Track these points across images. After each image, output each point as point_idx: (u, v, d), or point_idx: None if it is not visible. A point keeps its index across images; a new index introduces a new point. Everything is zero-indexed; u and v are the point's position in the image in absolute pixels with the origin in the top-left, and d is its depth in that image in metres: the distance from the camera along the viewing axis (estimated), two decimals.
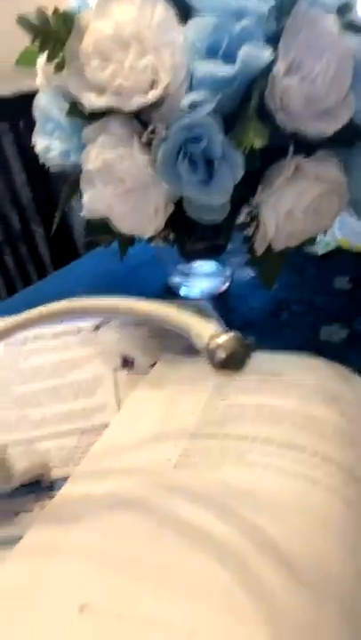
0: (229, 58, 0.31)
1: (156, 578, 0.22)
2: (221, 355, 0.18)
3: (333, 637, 0.20)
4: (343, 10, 0.37)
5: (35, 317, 0.26)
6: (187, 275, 0.52)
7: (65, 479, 0.30)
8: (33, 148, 0.42)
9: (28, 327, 0.23)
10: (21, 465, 0.29)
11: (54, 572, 0.24)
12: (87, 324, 0.45)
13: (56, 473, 0.30)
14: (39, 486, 0.30)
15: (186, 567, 0.22)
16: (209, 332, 0.19)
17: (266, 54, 0.31)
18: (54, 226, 0.45)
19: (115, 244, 0.44)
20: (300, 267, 0.56)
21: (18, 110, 0.83)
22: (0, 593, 0.23)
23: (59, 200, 0.43)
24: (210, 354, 0.18)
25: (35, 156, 0.42)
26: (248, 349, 0.18)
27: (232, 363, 0.18)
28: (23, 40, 0.34)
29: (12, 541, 0.26)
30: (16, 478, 0.29)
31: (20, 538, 0.26)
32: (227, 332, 0.19)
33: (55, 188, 0.98)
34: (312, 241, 0.40)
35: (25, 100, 0.88)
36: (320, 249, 0.59)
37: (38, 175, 0.94)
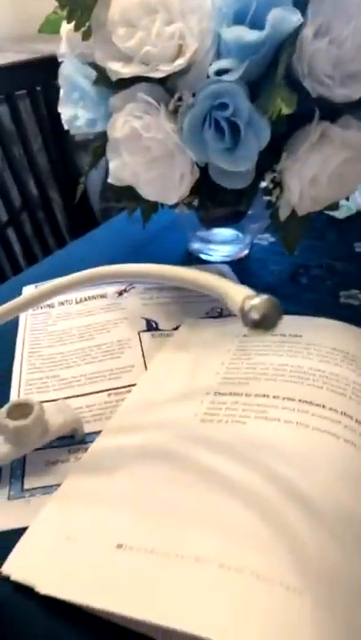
0: (257, 23, 0.31)
1: (185, 518, 0.24)
2: (255, 315, 0.19)
3: (352, 576, 0.22)
4: None
5: (69, 283, 0.28)
6: (207, 241, 0.53)
7: (97, 433, 0.32)
8: (50, 114, 0.42)
9: (73, 289, 0.25)
10: (57, 420, 0.31)
11: (93, 516, 0.26)
12: (111, 289, 0.46)
13: (88, 427, 0.32)
14: (73, 440, 0.32)
15: (213, 508, 0.24)
16: (243, 294, 0.20)
17: (295, 18, 0.31)
18: (78, 193, 0.46)
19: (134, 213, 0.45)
20: (321, 231, 0.57)
21: (35, 76, 0.83)
22: (43, 531, 0.25)
23: (74, 166, 0.44)
24: (244, 315, 0.20)
25: (52, 123, 0.42)
26: (280, 311, 0.20)
27: (265, 323, 0.19)
28: (36, 5, 0.34)
29: (49, 489, 0.28)
30: (52, 432, 0.31)
31: (56, 486, 0.28)
32: (260, 295, 0.20)
33: (71, 154, 0.98)
34: (335, 206, 0.41)
35: (42, 66, 0.88)
36: (342, 213, 0.59)
37: (54, 141, 0.94)
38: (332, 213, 0.59)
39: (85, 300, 0.45)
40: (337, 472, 0.26)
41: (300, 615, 0.20)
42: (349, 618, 0.21)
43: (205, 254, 0.53)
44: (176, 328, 0.41)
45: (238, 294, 0.20)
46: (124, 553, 0.23)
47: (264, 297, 0.20)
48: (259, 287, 0.47)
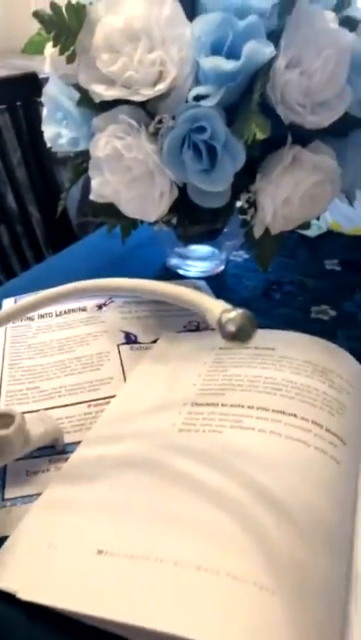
0: (233, 53, 0.33)
1: (164, 524, 0.25)
2: (232, 328, 0.21)
3: (322, 575, 0.23)
4: (341, 6, 0.39)
5: (49, 297, 0.28)
6: (184, 257, 0.54)
7: (77, 443, 0.32)
8: (30, 129, 0.44)
9: (54, 303, 0.26)
10: (38, 430, 0.32)
11: (73, 524, 0.27)
12: (91, 303, 0.47)
13: (68, 438, 0.33)
14: (54, 450, 0.32)
15: (190, 513, 0.25)
16: (221, 308, 0.22)
17: (269, 50, 0.33)
18: (59, 209, 0.47)
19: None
20: (293, 249, 0.59)
21: (16, 91, 0.84)
22: (24, 539, 0.26)
23: (53, 180, 0.45)
24: (221, 327, 0.21)
25: (32, 138, 0.43)
26: (254, 324, 0.21)
27: (240, 335, 0.21)
28: (19, 22, 0.35)
29: (29, 499, 0.29)
30: (33, 442, 0.31)
31: (37, 495, 0.29)
32: (236, 308, 0.21)
33: (50, 169, 0.99)
34: (307, 225, 0.43)
35: (23, 82, 0.89)
36: (313, 232, 0.62)
37: (34, 156, 0.95)
38: (303, 232, 0.61)
39: (65, 312, 0.46)
40: (308, 477, 0.27)
41: (272, 613, 0.21)
42: (319, 616, 0.22)
43: (183, 270, 0.54)
44: (155, 341, 0.42)
45: (216, 308, 0.22)
46: (104, 558, 0.24)
47: (240, 311, 0.21)
48: (234, 302, 0.49)
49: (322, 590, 0.23)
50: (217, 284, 0.52)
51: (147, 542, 0.24)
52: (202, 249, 0.54)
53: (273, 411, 0.31)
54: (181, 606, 0.22)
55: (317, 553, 0.24)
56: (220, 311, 0.21)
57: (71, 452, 0.32)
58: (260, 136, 0.32)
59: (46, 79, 0.42)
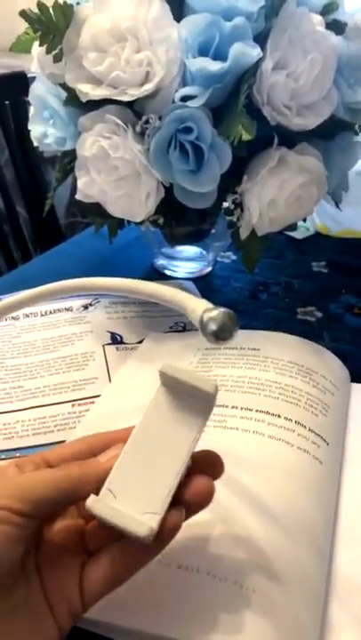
0: (220, 55, 0.33)
1: None
2: (213, 326, 0.21)
3: (303, 573, 0.23)
4: (328, 9, 0.39)
5: (35, 295, 0.28)
6: (171, 258, 0.54)
7: (61, 442, 0.32)
8: (18, 129, 0.43)
9: (38, 302, 0.26)
10: None
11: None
12: (77, 303, 0.47)
13: (52, 437, 0.33)
14: (37, 450, 0.32)
15: None
16: (203, 307, 0.22)
17: (255, 52, 0.33)
18: (46, 208, 0.47)
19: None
20: (280, 251, 0.59)
21: (4, 90, 0.83)
22: None
23: (41, 180, 0.45)
24: (203, 326, 0.21)
25: (19, 137, 0.43)
26: (236, 323, 0.21)
27: (222, 333, 0.21)
28: (7, 20, 0.35)
29: None
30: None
31: None
32: (218, 307, 0.21)
33: (38, 168, 0.98)
34: (293, 226, 0.43)
35: (11, 81, 0.88)
36: (300, 234, 0.62)
37: (21, 155, 0.94)
38: (291, 234, 0.61)
39: (51, 312, 0.46)
40: (290, 477, 0.27)
41: (253, 611, 0.21)
42: (300, 614, 0.22)
43: (170, 270, 0.54)
44: (140, 341, 0.42)
45: (198, 307, 0.22)
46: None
47: (222, 309, 0.21)
48: (221, 303, 0.49)
49: (303, 589, 0.23)
50: (204, 285, 0.52)
51: None
52: (189, 250, 0.54)
53: (257, 411, 0.31)
54: (162, 605, 0.22)
55: (299, 552, 0.24)
56: (202, 310, 0.21)
57: None
58: (245, 137, 0.32)
59: (35, 78, 0.42)
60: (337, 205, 0.45)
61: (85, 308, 0.46)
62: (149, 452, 0.21)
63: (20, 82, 0.84)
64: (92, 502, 0.20)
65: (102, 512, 0.19)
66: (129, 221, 0.42)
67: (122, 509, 0.19)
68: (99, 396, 0.36)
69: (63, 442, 0.32)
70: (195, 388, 0.21)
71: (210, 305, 0.22)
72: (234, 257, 0.57)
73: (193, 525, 0.24)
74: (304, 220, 0.45)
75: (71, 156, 0.40)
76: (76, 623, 0.20)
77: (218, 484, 0.26)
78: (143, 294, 0.25)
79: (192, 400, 0.21)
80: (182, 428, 0.21)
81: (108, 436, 0.23)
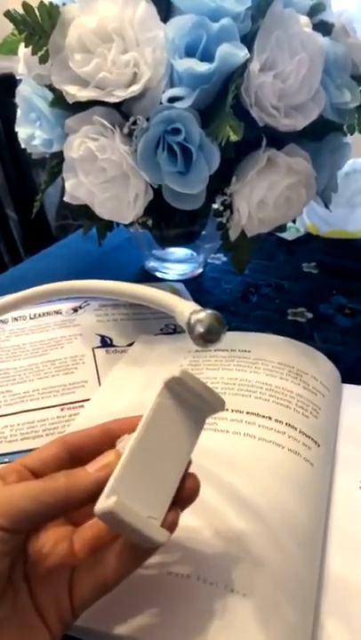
0: (207, 55, 0.33)
1: None
2: (200, 329, 0.20)
3: (293, 576, 0.23)
4: (316, 10, 0.39)
5: (23, 298, 0.28)
6: (162, 259, 0.54)
7: None
8: (6, 131, 0.43)
9: (25, 305, 0.25)
10: None
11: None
12: (66, 306, 0.46)
13: (41, 442, 0.33)
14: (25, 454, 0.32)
15: None
16: (190, 309, 0.21)
17: (242, 53, 0.33)
18: (35, 210, 0.47)
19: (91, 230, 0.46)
20: (271, 252, 0.59)
21: None
22: None
23: (31, 182, 0.44)
24: (190, 328, 0.21)
25: (8, 140, 0.43)
26: (223, 325, 0.21)
27: (209, 335, 0.20)
28: None
29: None
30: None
31: None
32: (205, 309, 0.21)
33: (28, 170, 0.98)
34: (283, 228, 0.43)
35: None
36: (290, 235, 0.62)
37: (11, 158, 0.94)
38: (281, 235, 0.61)
39: (40, 316, 0.45)
40: (281, 479, 0.27)
41: (244, 615, 0.21)
42: (291, 617, 0.22)
43: (161, 272, 0.54)
44: (130, 344, 0.42)
45: (186, 309, 0.22)
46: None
47: (209, 311, 0.21)
48: (211, 304, 0.49)
49: (294, 591, 0.23)
50: (195, 287, 0.52)
51: None
52: (180, 251, 0.54)
53: (247, 413, 0.31)
54: (153, 612, 0.21)
55: (290, 554, 0.24)
56: (190, 312, 0.21)
57: None
58: (233, 138, 0.32)
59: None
60: (326, 206, 0.45)
61: (75, 310, 0.46)
62: (153, 454, 0.20)
63: (8, 84, 0.84)
64: (104, 506, 0.18)
65: (122, 515, 0.18)
66: (118, 223, 0.42)
67: (139, 513, 0.19)
68: (88, 399, 0.36)
69: None
70: (203, 399, 0.21)
71: (197, 307, 0.21)
72: (224, 258, 0.57)
73: (183, 530, 0.24)
74: (294, 222, 0.45)
75: (59, 158, 0.40)
76: (67, 631, 0.20)
77: (208, 487, 0.26)
78: (131, 297, 0.24)
79: (195, 409, 0.21)
80: (184, 432, 0.21)
81: (85, 433, 0.22)
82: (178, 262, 0.54)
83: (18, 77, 0.42)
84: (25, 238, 1.03)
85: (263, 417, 0.30)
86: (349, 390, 0.37)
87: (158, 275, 0.54)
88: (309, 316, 0.48)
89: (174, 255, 0.54)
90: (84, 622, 0.21)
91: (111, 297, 0.31)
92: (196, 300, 0.49)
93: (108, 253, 0.58)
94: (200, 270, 0.55)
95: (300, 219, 0.63)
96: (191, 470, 0.27)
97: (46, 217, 1.04)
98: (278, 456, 0.28)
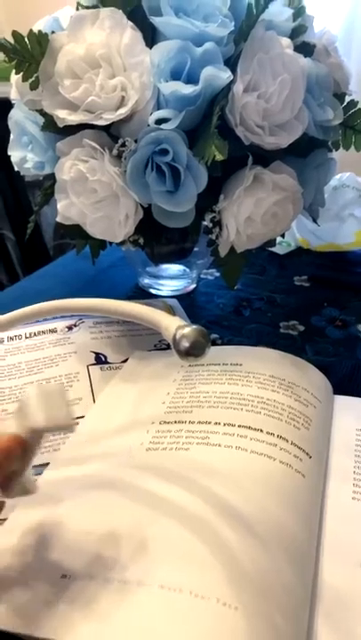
0: (192, 78, 0.34)
1: (128, 544, 0.25)
2: (185, 344, 0.21)
3: (285, 588, 0.23)
4: (297, 32, 0.40)
5: (16, 318, 0.29)
6: (156, 276, 0.55)
7: (45, 465, 0.32)
8: (2, 153, 0.44)
9: (10, 327, 0.26)
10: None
11: (39, 548, 0.26)
12: (61, 324, 0.47)
13: (36, 460, 0.33)
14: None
15: (154, 533, 0.25)
16: (176, 324, 0.22)
17: (225, 75, 0.34)
18: (28, 231, 0.48)
19: (85, 249, 0.47)
20: (263, 267, 0.60)
21: None
22: None
23: (27, 203, 0.45)
24: (176, 343, 0.21)
25: (4, 162, 0.44)
26: (208, 339, 0.21)
27: (194, 350, 0.21)
28: None
29: None
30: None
31: (2, 520, 0.28)
32: (190, 325, 0.22)
33: (24, 191, 0.99)
34: (272, 243, 0.44)
35: None
36: (282, 249, 0.63)
37: (7, 179, 0.95)
38: (273, 250, 0.62)
39: (35, 334, 0.46)
40: (273, 491, 0.27)
41: (236, 629, 0.21)
42: (283, 630, 0.22)
43: (155, 289, 0.55)
44: (125, 361, 0.42)
45: (172, 325, 0.22)
46: (68, 582, 0.24)
47: (194, 327, 0.22)
48: (205, 319, 0.50)
49: (286, 605, 0.23)
50: (189, 302, 0.52)
51: (111, 564, 0.24)
52: (173, 268, 0.55)
53: (239, 426, 0.31)
54: (144, 626, 0.21)
55: (282, 567, 0.24)
56: (176, 327, 0.22)
57: (39, 474, 0.32)
58: (218, 157, 0.32)
59: None
60: (314, 221, 0.46)
61: (70, 328, 0.47)
62: None
63: (3, 108, 0.85)
64: None
65: None
66: (111, 242, 0.43)
67: None
68: (83, 416, 0.36)
69: (47, 464, 0.32)
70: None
71: (182, 322, 0.22)
72: (217, 274, 0.58)
73: (174, 543, 0.25)
74: (283, 236, 0.45)
75: (52, 179, 0.41)
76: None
77: (199, 500, 0.26)
78: (118, 314, 0.25)
79: None
80: None
81: None
82: (171, 278, 0.55)
83: (13, 101, 0.44)
84: (22, 258, 1.04)
85: (255, 430, 0.31)
86: (341, 401, 0.37)
87: (152, 291, 0.55)
88: (301, 328, 0.48)
89: (168, 272, 0.54)
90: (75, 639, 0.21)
91: (100, 315, 0.32)
92: (190, 315, 0.49)
93: (103, 272, 0.59)
94: (193, 286, 0.56)
95: (291, 233, 0.64)
96: (183, 483, 0.28)
97: (43, 237, 1.05)
98: (270, 468, 0.29)
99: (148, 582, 0.23)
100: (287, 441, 0.30)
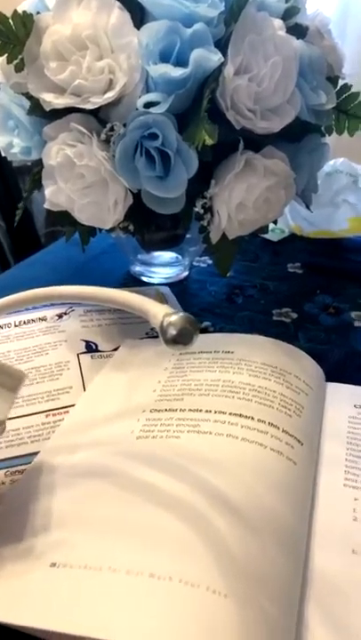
0: (181, 61, 0.33)
1: (117, 533, 0.25)
2: (172, 331, 0.21)
3: (276, 575, 0.23)
4: (290, 13, 0.39)
5: (3, 305, 0.28)
6: (148, 264, 0.54)
7: (35, 454, 0.32)
8: None
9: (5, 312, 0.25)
10: None
11: (28, 537, 0.26)
12: (51, 312, 0.47)
13: (26, 449, 0.33)
14: (11, 462, 0.32)
15: (144, 520, 0.25)
16: (163, 312, 0.21)
17: (216, 57, 0.33)
18: (17, 218, 0.47)
19: (76, 236, 0.46)
20: (256, 254, 0.60)
21: None
22: None
23: (17, 190, 0.45)
24: (163, 331, 0.21)
25: None
26: (196, 327, 0.21)
27: (182, 338, 0.21)
28: None
29: None
30: None
31: None
32: (178, 312, 0.21)
33: (14, 178, 0.98)
34: (265, 229, 0.43)
35: None
36: (275, 236, 0.62)
37: None
38: (266, 236, 0.62)
39: (25, 323, 0.45)
40: (264, 479, 0.27)
41: (226, 617, 0.21)
42: (274, 617, 0.22)
43: (147, 276, 0.54)
44: (116, 349, 0.42)
45: (159, 312, 0.22)
46: (58, 571, 0.24)
47: (181, 314, 0.21)
48: (198, 307, 0.49)
49: (276, 593, 0.23)
50: (181, 290, 0.52)
51: (100, 552, 0.24)
52: (165, 255, 0.54)
53: (230, 414, 0.31)
54: (135, 615, 0.21)
55: (273, 554, 0.24)
56: (163, 315, 0.21)
57: (28, 463, 0.31)
58: (208, 142, 0.32)
59: None
60: (307, 207, 0.46)
61: (60, 317, 0.46)
62: None
63: None
64: None
65: None
66: (101, 229, 0.42)
67: None
68: (73, 405, 0.36)
69: (37, 453, 0.32)
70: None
71: (170, 310, 0.22)
72: (210, 261, 0.57)
73: (165, 531, 0.24)
74: (275, 222, 0.45)
75: (40, 165, 0.40)
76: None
77: (190, 488, 0.26)
78: (105, 301, 0.25)
79: None
80: None
81: None
82: (163, 266, 0.54)
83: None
84: (13, 246, 1.03)
85: (246, 417, 0.31)
86: (333, 389, 0.37)
87: (144, 279, 0.54)
88: (294, 316, 0.48)
89: (160, 259, 0.54)
90: (66, 628, 0.21)
91: (88, 302, 0.32)
92: (182, 303, 0.49)
93: (95, 259, 0.59)
94: (186, 273, 0.55)
95: (284, 220, 0.63)
96: (173, 471, 0.28)
97: (34, 224, 1.04)
98: (261, 456, 0.28)
99: (137, 570, 0.23)
100: (278, 428, 0.30)
